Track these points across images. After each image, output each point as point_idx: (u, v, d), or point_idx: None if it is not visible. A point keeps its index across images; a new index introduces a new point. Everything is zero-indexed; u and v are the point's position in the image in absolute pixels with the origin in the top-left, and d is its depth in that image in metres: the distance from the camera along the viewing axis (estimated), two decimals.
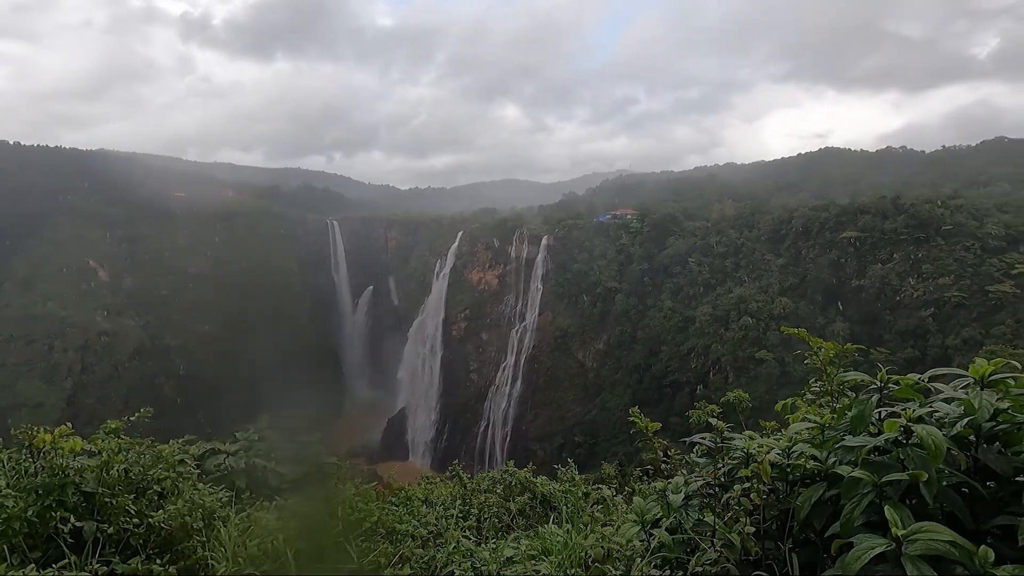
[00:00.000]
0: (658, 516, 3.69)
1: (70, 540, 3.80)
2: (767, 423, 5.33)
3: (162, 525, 4.07)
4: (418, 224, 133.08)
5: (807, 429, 3.51)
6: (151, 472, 4.54)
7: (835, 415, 3.53)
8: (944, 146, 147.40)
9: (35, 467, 4.23)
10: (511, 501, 6.54)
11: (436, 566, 4.34)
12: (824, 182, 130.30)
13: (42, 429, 4.50)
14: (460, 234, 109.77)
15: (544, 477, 7.14)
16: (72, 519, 3.85)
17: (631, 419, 5.89)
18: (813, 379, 4.89)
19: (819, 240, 77.29)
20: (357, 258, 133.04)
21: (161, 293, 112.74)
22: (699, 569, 3.16)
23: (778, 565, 3.07)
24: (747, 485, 3.25)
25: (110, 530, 3.93)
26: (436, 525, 5.46)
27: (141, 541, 4.04)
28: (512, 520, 6.25)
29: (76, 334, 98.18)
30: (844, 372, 4.31)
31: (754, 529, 3.13)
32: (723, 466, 3.60)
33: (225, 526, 4.32)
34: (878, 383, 3.23)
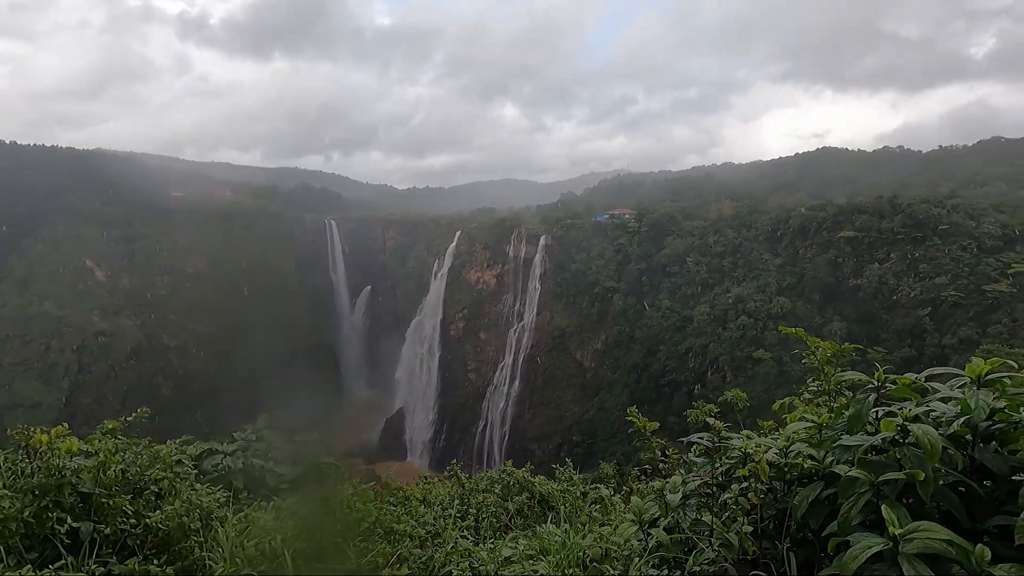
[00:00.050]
0: (656, 516, 3.69)
1: (67, 541, 3.79)
2: (765, 422, 5.33)
3: (159, 525, 4.06)
4: (416, 224, 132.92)
5: (804, 429, 3.52)
6: (148, 472, 4.53)
7: (832, 414, 3.54)
8: (941, 146, 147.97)
9: (31, 467, 4.22)
10: (509, 501, 6.54)
11: (434, 566, 4.34)
12: (822, 182, 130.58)
13: (39, 429, 4.49)
14: (458, 234, 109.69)
15: (542, 477, 7.15)
16: (69, 520, 3.84)
17: (629, 419, 5.90)
18: (811, 378, 4.90)
19: (816, 240, 77.45)
20: (355, 258, 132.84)
21: (159, 293, 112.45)
22: (697, 568, 3.17)
23: (775, 564, 3.07)
24: (745, 485, 3.25)
25: (107, 531, 3.92)
26: (434, 525, 5.46)
27: (138, 542, 4.03)
28: (510, 520, 6.25)
29: (73, 334, 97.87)
30: (841, 371, 4.32)
31: (752, 528, 3.14)
32: (721, 466, 3.60)
33: (223, 526, 4.32)
34: (875, 382, 3.24)
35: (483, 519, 6.11)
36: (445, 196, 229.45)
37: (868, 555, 2.47)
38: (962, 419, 2.91)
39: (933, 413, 3.06)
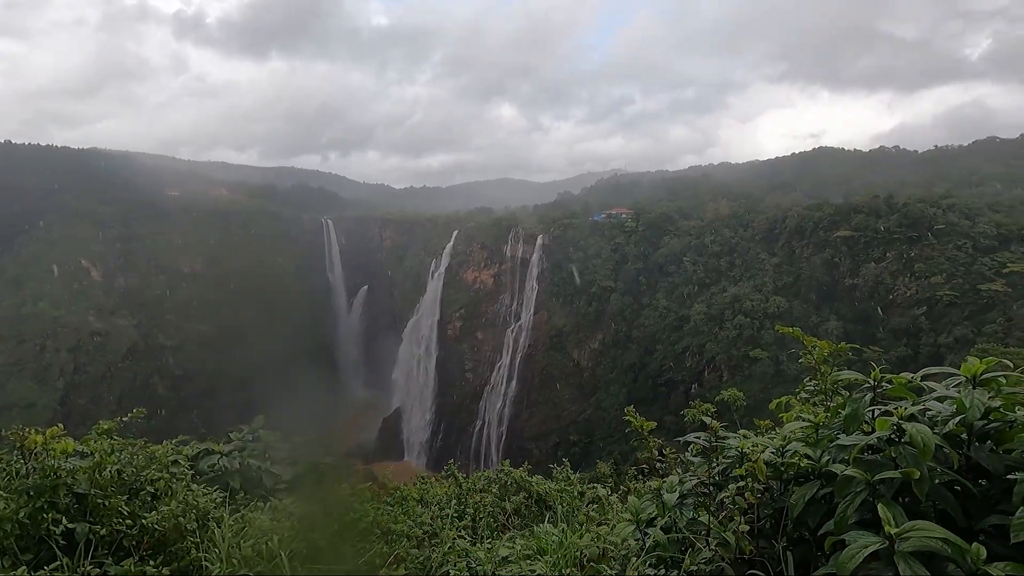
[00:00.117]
0: (653, 515, 3.70)
1: (62, 542, 3.77)
2: (761, 422, 5.34)
3: (155, 526, 4.05)
4: (413, 223, 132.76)
5: (801, 428, 3.53)
6: (144, 473, 4.51)
7: (829, 414, 3.55)
8: (937, 146, 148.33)
9: (26, 468, 4.20)
10: (506, 500, 6.54)
11: (431, 566, 4.33)
12: (818, 181, 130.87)
13: (33, 430, 4.47)
14: (455, 233, 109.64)
15: (539, 476, 7.15)
16: (64, 521, 3.82)
17: (626, 418, 5.90)
18: (807, 377, 4.91)
19: (813, 239, 77.67)
20: (352, 257, 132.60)
21: (155, 293, 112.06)
22: (694, 568, 3.17)
23: (772, 564, 3.08)
24: (742, 484, 3.26)
25: (103, 532, 3.91)
26: (431, 525, 5.46)
27: (134, 543, 4.02)
28: (508, 520, 6.25)
29: (68, 334, 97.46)
30: (838, 371, 4.33)
31: (748, 528, 3.15)
32: (717, 465, 3.61)
33: (219, 527, 4.30)
34: (871, 382, 3.25)
35: (480, 519, 6.11)
36: (442, 196, 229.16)
37: (864, 554, 2.48)
38: (957, 418, 2.92)
39: (929, 412, 3.07)
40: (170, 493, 4.47)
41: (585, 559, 3.68)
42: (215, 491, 4.82)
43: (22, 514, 3.76)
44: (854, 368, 3.87)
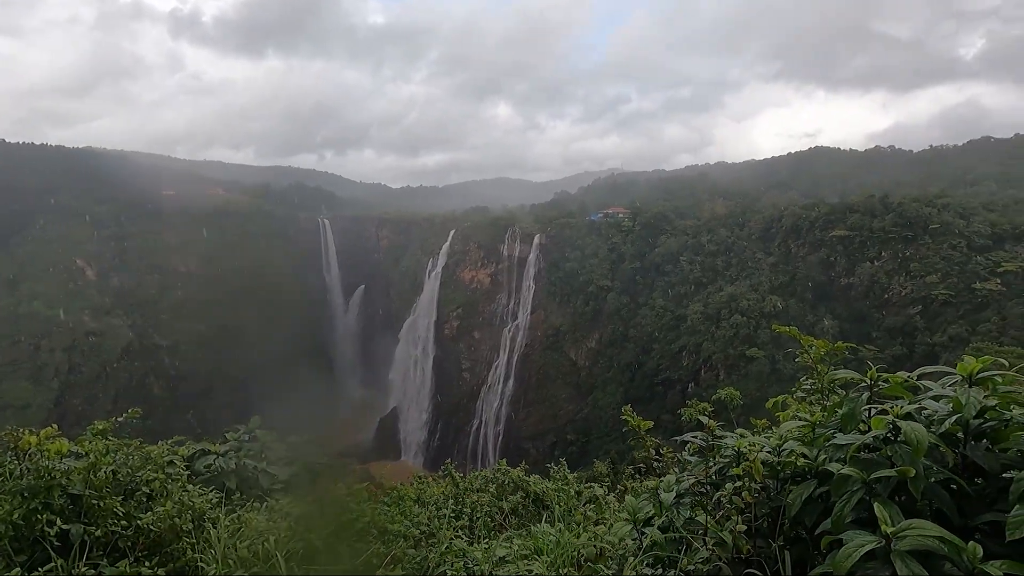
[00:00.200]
0: (650, 515, 3.70)
1: (56, 543, 3.75)
2: (758, 421, 5.36)
3: (151, 527, 4.02)
4: (410, 223, 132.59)
5: (798, 427, 3.54)
6: (139, 474, 4.49)
7: (825, 413, 3.56)
8: (932, 146, 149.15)
9: (20, 469, 4.17)
10: (504, 500, 6.54)
11: (428, 566, 4.32)
12: (814, 181, 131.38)
13: (28, 430, 4.44)
14: (452, 233, 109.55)
15: (537, 476, 7.15)
16: (59, 522, 3.79)
17: (623, 417, 5.91)
18: (804, 377, 4.92)
19: (809, 239, 77.92)
20: (349, 257, 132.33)
21: (150, 292, 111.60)
22: (691, 567, 3.17)
23: (769, 563, 3.08)
24: (738, 483, 3.26)
25: (97, 533, 3.89)
26: (428, 525, 5.45)
27: (129, 544, 4.00)
28: (505, 519, 6.24)
29: (63, 334, 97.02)
30: (834, 370, 4.34)
31: (746, 527, 3.15)
32: (714, 464, 3.61)
33: (215, 528, 4.28)
34: (868, 381, 3.26)
35: (478, 519, 6.10)
36: (439, 195, 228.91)
37: (861, 553, 2.48)
38: (954, 417, 2.93)
39: (925, 411, 3.08)
40: (165, 494, 4.45)
41: (582, 559, 3.68)
42: (211, 492, 4.80)
43: (16, 515, 3.74)
44: (849, 367, 3.88)
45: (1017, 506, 2.47)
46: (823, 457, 3.20)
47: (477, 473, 7.46)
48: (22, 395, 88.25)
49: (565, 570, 3.68)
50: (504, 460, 7.44)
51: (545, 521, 5.43)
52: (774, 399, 4.64)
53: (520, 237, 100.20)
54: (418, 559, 4.45)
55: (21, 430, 4.39)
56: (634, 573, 3.32)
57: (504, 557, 3.99)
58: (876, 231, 72.11)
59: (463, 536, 5.36)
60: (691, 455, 4.06)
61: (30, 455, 4.28)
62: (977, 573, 2.33)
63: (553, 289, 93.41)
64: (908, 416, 2.93)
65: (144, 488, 4.42)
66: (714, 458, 3.65)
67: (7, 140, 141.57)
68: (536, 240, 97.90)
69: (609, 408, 75.53)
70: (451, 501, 6.45)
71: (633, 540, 3.58)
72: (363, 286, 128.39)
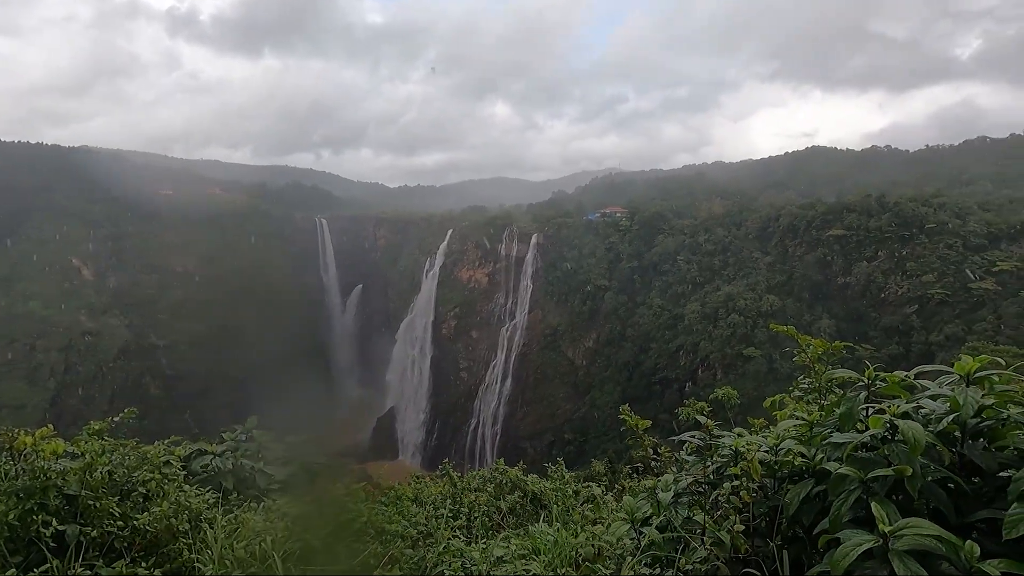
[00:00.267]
0: (648, 514, 3.70)
1: (52, 544, 3.73)
2: (755, 420, 5.36)
3: (147, 528, 4.01)
4: (408, 222, 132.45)
5: (795, 426, 3.54)
6: (136, 474, 4.47)
7: (823, 412, 3.56)
8: (928, 145, 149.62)
9: (16, 470, 4.15)
10: (501, 500, 6.53)
11: (426, 566, 4.32)
12: (811, 180, 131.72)
13: (23, 431, 4.43)
14: (450, 232, 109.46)
15: (534, 475, 7.14)
16: (54, 522, 3.78)
17: (621, 416, 5.91)
18: (801, 376, 4.93)
19: (806, 238, 78.12)
20: (346, 256, 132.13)
21: (147, 292, 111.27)
22: (689, 567, 3.17)
23: (767, 562, 3.08)
24: (736, 483, 3.26)
25: (93, 533, 3.87)
26: (426, 525, 5.44)
27: (125, 544, 3.98)
28: (502, 519, 6.24)
29: (59, 334, 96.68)
30: (831, 369, 4.35)
31: (743, 527, 3.15)
32: (712, 464, 3.61)
33: (212, 528, 4.27)
34: (865, 380, 3.26)
35: (475, 518, 6.09)
36: (436, 194, 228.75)
37: (858, 552, 2.49)
38: (951, 416, 2.93)
39: (922, 410, 3.09)
40: (162, 494, 4.44)
41: (580, 558, 3.68)
42: (208, 492, 4.79)
43: (11, 516, 3.72)
44: (846, 366, 3.89)
45: (1015, 505, 2.47)
46: (820, 456, 3.20)
47: (475, 473, 7.46)
48: (18, 395, 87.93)
49: (563, 570, 3.68)
50: (502, 459, 7.44)
51: (543, 520, 5.43)
52: (771, 398, 4.64)
53: (518, 237, 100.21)
54: (416, 559, 4.44)
55: (17, 430, 4.37)
56: (632, 573, 3.32)
57: (502, 557, 3.99)
58: (873, 231, 72.33)
59: (461, 536, 5.36)
60: (689, 454, 4.06)
61: (26, 455, 4.27)
62: (974, 572, 2.34)
63: (551, 289, 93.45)
64: (905, 415, 2.93)
65: (140, 488, 4.40)
66: (712, 457, 3.65)
67: (2, 139, 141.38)
68: (534, 240, 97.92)
69: (606, 407, 75.63)
70: (449, 501, 6.44)
71: (631, 539, 3.59)
72: (360, 286, 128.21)
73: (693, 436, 3.94)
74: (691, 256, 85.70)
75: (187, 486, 4.77)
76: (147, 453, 5.03)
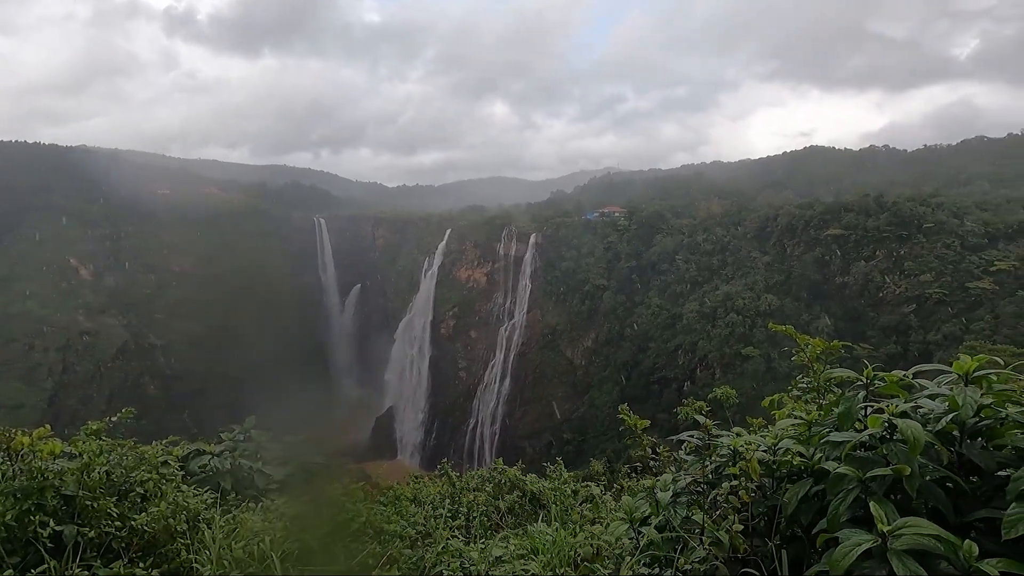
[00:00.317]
0: (647, 514, 3.70)
1: (50, 544, 3.72)
2: (754, 419, 5.36)
3: (145, 528, 4.00)
4: (406, 222, 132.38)
5: (793, 426, 3.54)
6: (134, 474, 4.46)
7: (822, 411, 3.56)
8: (926, 145, 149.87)
9: (13, 470, 4.14)
10: (500, 499, 6.52)
11: (425, 566, 4.31)
12: (809, 180, 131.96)
13: (20, 431, 4.42)
14: (448, 232, 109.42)
15: (533, 475, 7.14)
16: (52, 523, 3.77)
17: (620, 416, 5.90)
18: (799, 375, 4.93)
19: (804, 238, 78.21)
20: (345, 256, 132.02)
21: (144, 292, 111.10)
22: (688, 566, 3.17)
23: (766, 562, 3.08)
24: (735, 482, 3.26)
25: (91, 534, 3.86)
26: (425, 525, 5.43)
27: (123, 545, 3.97)
28: (501, 519, 6.23)
29: (57, 333, 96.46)
30: (830, 368, 4.35)
31: (742, 526, 3.15)
32: (711, 463, 3.61)
33: (210, 528, 4.26)
34: (864, 379, 3.26)
35: (474, 518, 6.08)
36: (435, 194, 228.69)
37: (857, 552, 2.49)
38: (950, 415, 2.94)
39: (921, 410, 3.09)
40: (160, 494, 4.42)
41: (579, 558, 3.68)
42: (206, 492, 4.77)
43: (9, 516, 3.71)
44: (845, 365, 3.89)
45: (1013, 504, 2.48)
46: (819, 456, 3.20)
47: (473, 472, 7.45)
48: (15, 395, 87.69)
49: (562, 570, 3.68)
50: (500, 459, 7.43)
51: (542, 520, 5.43)
52: (770, 398, 4.64)
53: (516, 236, 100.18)
54: (414, 559, 4.43)
55: (14, 430, 4.36)
56: (631, 572, 3.31)
57: (500, 557, 3.98)
58: (871, 230, 72.45)
59: (459, 536, 5.35)
60: (687, 454, 4.06)
61: (23, 456, 4.25)
62: (973, 571, 2.34)
63: (549, 288, 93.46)
64: (904, 414, 2.94)
65: (138, 489, 4.39)
66: (710, 457, 3.65)
67: (0, 138, 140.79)
68: (532, 239, 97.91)
69: (605, 407, 75.65)
70: (447, 501, 6.43)
71: (630, 539, 3.58)
72: (359, 285, 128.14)
73: (692, 436, 3.94)
74: (689, 256, 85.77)
75: (185, 486, 4.75)
76: (145, 453, 5.02)
